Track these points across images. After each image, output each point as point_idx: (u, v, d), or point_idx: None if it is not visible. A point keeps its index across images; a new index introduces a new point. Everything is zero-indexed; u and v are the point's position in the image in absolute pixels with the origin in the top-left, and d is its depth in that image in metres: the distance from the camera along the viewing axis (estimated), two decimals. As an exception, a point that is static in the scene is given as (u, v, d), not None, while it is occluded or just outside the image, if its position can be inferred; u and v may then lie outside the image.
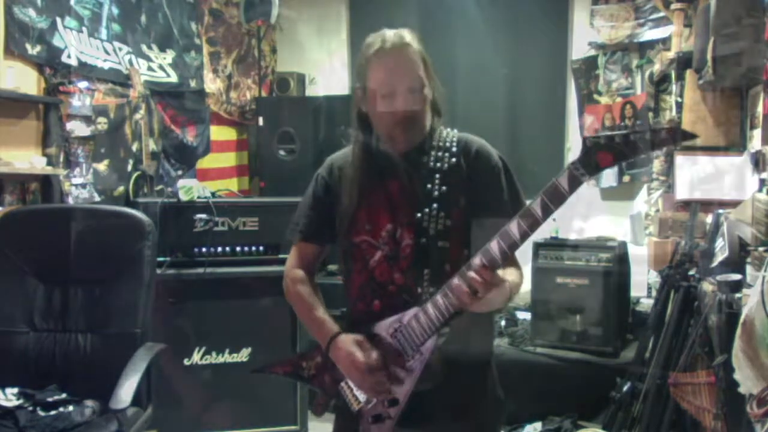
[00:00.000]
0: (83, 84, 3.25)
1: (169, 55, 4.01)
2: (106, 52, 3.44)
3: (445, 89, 1.54)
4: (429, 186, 1.49)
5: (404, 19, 4.77)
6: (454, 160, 1.51)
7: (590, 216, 4.59)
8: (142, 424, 2.37)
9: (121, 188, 3.53)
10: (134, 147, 3.64)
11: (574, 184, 1.19)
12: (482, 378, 1.59)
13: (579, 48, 4.68)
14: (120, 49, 3.55)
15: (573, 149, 4.74)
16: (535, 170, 4.01)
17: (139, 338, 2.42)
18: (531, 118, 4.82)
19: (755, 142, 2.85)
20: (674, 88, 3.53)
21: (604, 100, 4.57)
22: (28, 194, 2.92)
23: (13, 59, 2.85)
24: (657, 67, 3.94)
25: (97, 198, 3.31)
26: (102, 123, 3.37)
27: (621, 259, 3.51)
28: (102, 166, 3.39)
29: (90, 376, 2.38)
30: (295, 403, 3.18)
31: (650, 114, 4.12)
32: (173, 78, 4.03)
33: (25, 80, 2.93)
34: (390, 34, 1.49)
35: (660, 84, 3.99)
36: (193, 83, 4.24)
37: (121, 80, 3.53)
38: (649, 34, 4.30)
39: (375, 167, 1.54)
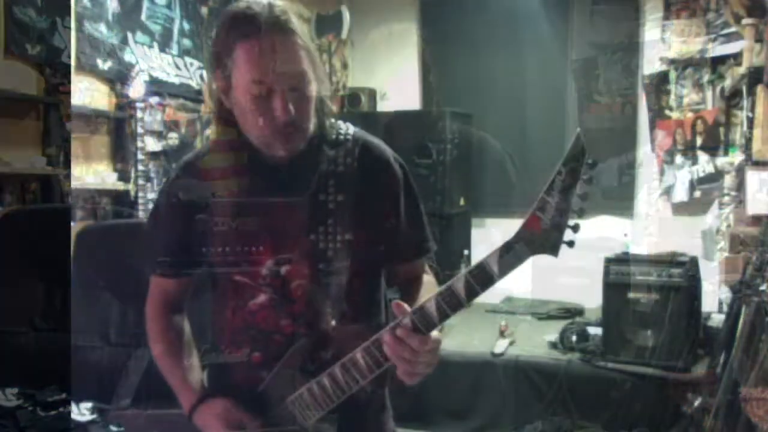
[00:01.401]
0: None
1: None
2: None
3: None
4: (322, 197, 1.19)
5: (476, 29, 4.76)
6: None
7: (662, 232, 4.41)
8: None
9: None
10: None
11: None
12: None
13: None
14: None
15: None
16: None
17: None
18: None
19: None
20: (745, 103, 3.52)
21: (675, 115, 4.50)
22: (28, 194, 2.92)
23: (13, 59, 2.85)
24: (728, 82, 3.90)
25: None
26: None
27: (691, 275, 3.29)
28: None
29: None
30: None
31: (721, 129, 4.07)
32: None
33: (25, 80, 2.93)
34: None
35: (732, 98, 3.93)
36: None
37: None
38: (720, 50, 4.19)
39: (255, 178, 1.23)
